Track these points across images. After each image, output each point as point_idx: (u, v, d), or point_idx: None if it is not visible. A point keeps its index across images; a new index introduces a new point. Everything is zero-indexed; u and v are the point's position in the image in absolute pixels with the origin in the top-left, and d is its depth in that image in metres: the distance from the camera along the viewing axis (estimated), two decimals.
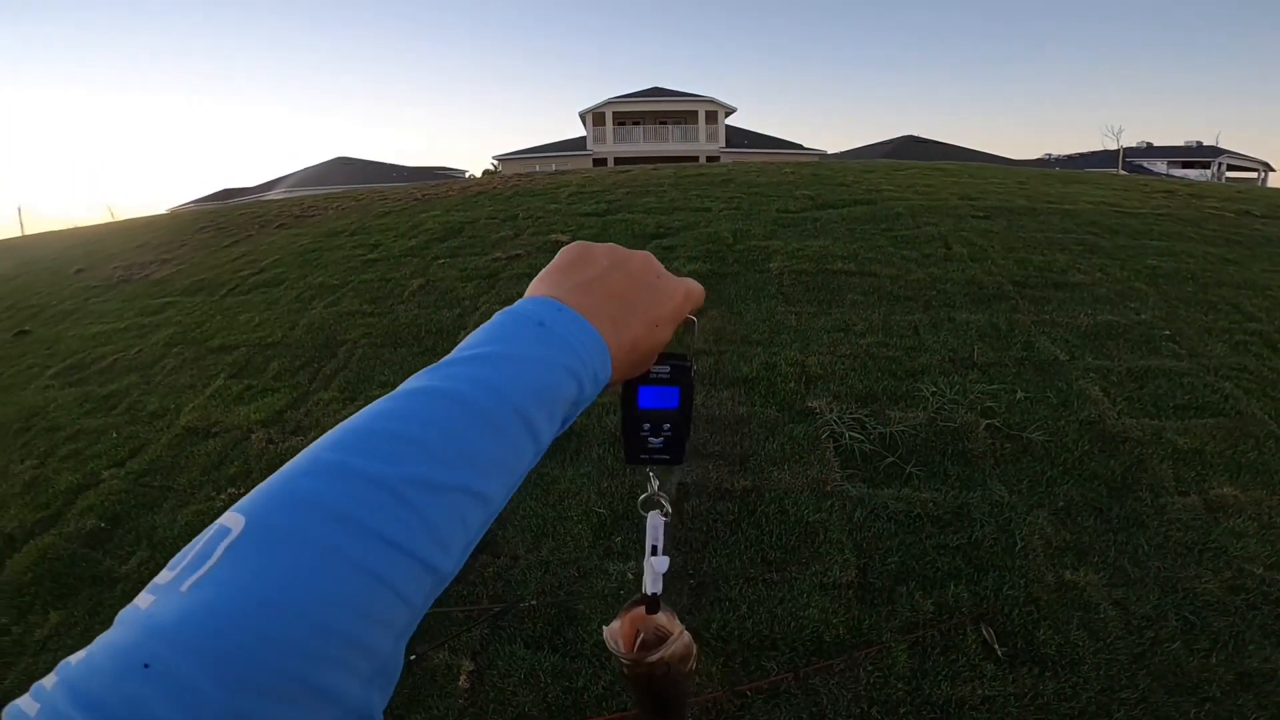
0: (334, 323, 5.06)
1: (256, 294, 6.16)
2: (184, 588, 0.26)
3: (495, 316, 0.39)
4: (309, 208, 10.31)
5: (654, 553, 0.59)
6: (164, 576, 0.27)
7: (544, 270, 0.44)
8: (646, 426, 0.51)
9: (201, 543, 0.28)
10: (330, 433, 0.32)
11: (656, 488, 0.59)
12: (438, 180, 18.12)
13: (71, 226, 19.37)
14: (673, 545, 2.44)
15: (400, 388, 0.35)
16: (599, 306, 0.41)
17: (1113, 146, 34.22)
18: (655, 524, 0.59)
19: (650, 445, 0.51)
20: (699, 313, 0.49)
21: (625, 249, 0.45)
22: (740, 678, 1.91)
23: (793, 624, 2.09)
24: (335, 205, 10.18)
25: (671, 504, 0.60)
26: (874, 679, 1.90)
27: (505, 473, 0.34)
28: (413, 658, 1.71)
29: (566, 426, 0.40)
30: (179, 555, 0.28)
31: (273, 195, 23.39)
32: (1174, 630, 2.02)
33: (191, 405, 4.13)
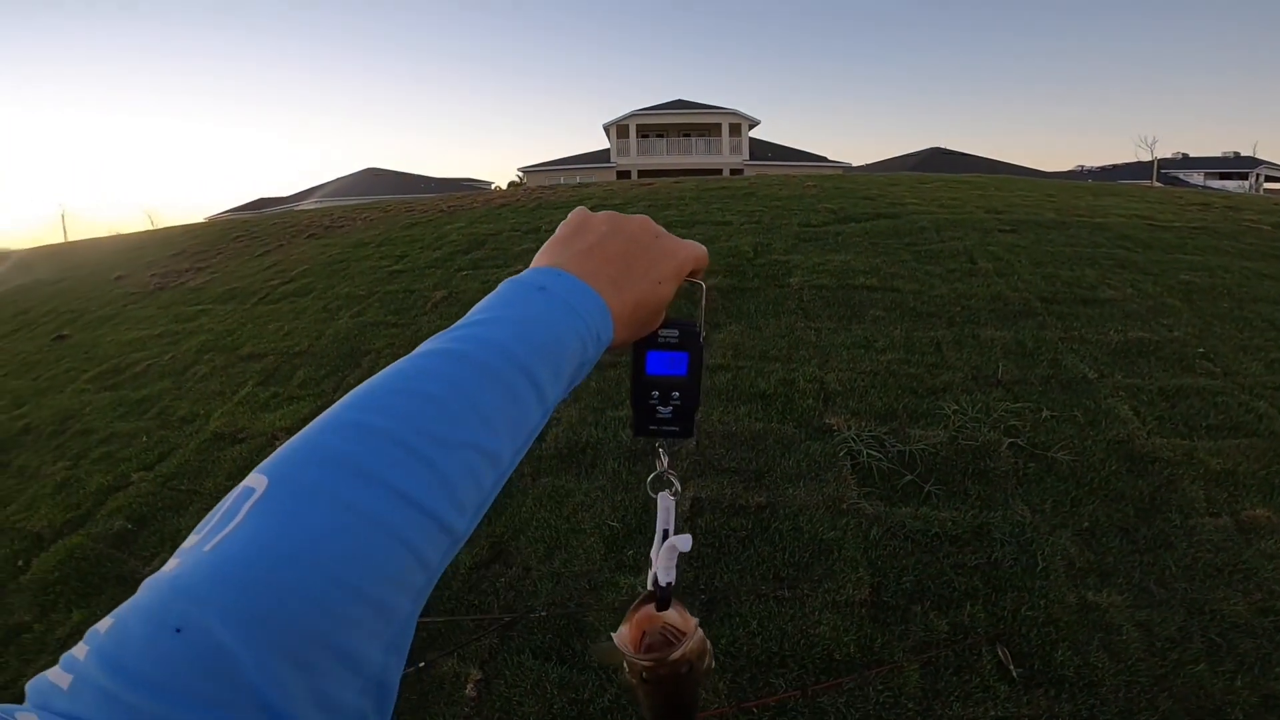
0: (359, 333, 5.15)
1: (285, 303, 6.29)
2: (208, 548, 0.26)
3: (500, 286, 0.41)
4: (338, 218, 10.53)
5: (665, 537, 0.57)
6: (190, 541, 0.28)
7: (547, 242, 0.45)
8: (655, 395, 0.50)
9: (227, 504, 0.28)
10: (348, 394, 0.34)
11: (666, 464, 0.58)
12: (464, 191, 18.38)
13: (113, 233, 20.02)
14: (685, 559, 2.42)
15: (413, 352, 0.36)
16: (599, 270, 0.43)
17: (1147, 158, 33.51)
18: (666, 504, 0.58)
19: (659, 415, 0.51)
20: (704, 278, 0.49)
21: (623, 215, 0.46)
22: (748, 694, 1.89)
23: (803, 641, 2.06)
24: (363, 216, 10.39)
25: (682, 482, 0.59)
26: (884, 698, 1.87)
27: (514, 431, 0.35)
28: (421, 664, 1.73)
29: (572, 388, 0.41)
30: (204, 520, 0.28)
31: (305, 205, 23.96)
32: (1198, 652, 1.97)
33: (220, 411, 4.23)
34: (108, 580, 2.79)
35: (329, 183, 37.92)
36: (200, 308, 6.77)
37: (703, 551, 2.48)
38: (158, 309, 7.12)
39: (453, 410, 0.33)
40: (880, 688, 1.90)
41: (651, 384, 0.50)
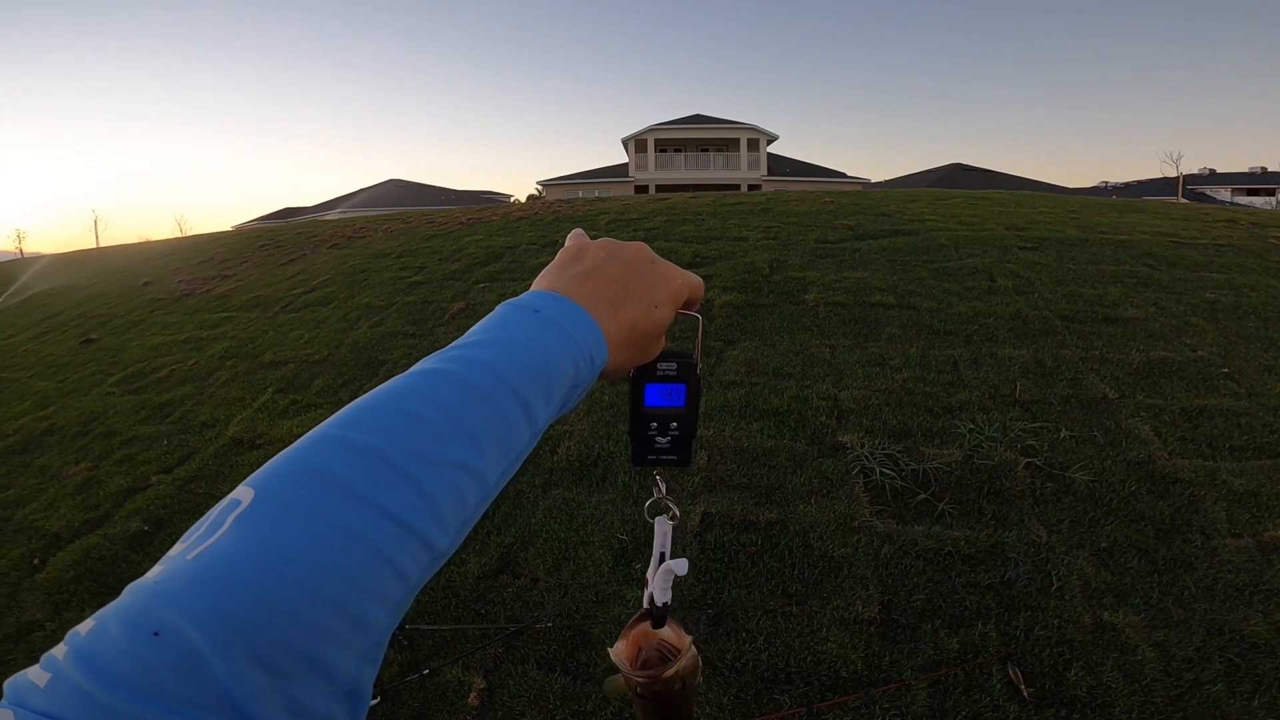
0: (377, 343, 5.21)
1: (307, 312, 6.39)
2: (191, 556, 0.27)
3: (497, 308, 0.42)
4: (360, 229, 10.69)
5: (661, 559, 0.58)
6: (175, 549, 0.28)
7: (545, 268, 0.46)
8: (654, 425, 0.51)
9: (213, 515, 0.29)
10: (338, 412, 0.34)
11: (664, 491, 0.59)
12: (484, 204, 18.60)
13: (143, 239, 20.52)
14: (692, 574, 2.42)
15: (404, 372, 0.37)
16: (596, 293, 0.43)
17: (1172, 174, 33.05)
18: (664, 529, 0.59)
19: (657, 445, 0.52)
20: (701, 310, 0.50)
21: (620, 241, 0.47)
22: (752, 710, 1.87)
23: (809, 658, 2.04)
24: (385, 227, 10.54)
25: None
26: (890, 717, 1.84)
27: (501, 451, 0.36)
28: (425, 671, 1.73)
29: (566, 410, 0.41)
30: (192, 528, 0.29)
31: (330, 215, 24.38)
32: (1216, 672, 1.93)
33: (240, 417, 4.30)
34: (122, 581, 2.78)
35: (353, 193, 38.53)
36: (225, 315, 6.90)
37: (711, 566, 2.46)
38: (184, 315, 7.27)
39: (439, 429, 0.33)
40: (887, 706, 1.87)
41: (650, 416, 0.51)
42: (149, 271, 10.55)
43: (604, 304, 0.43)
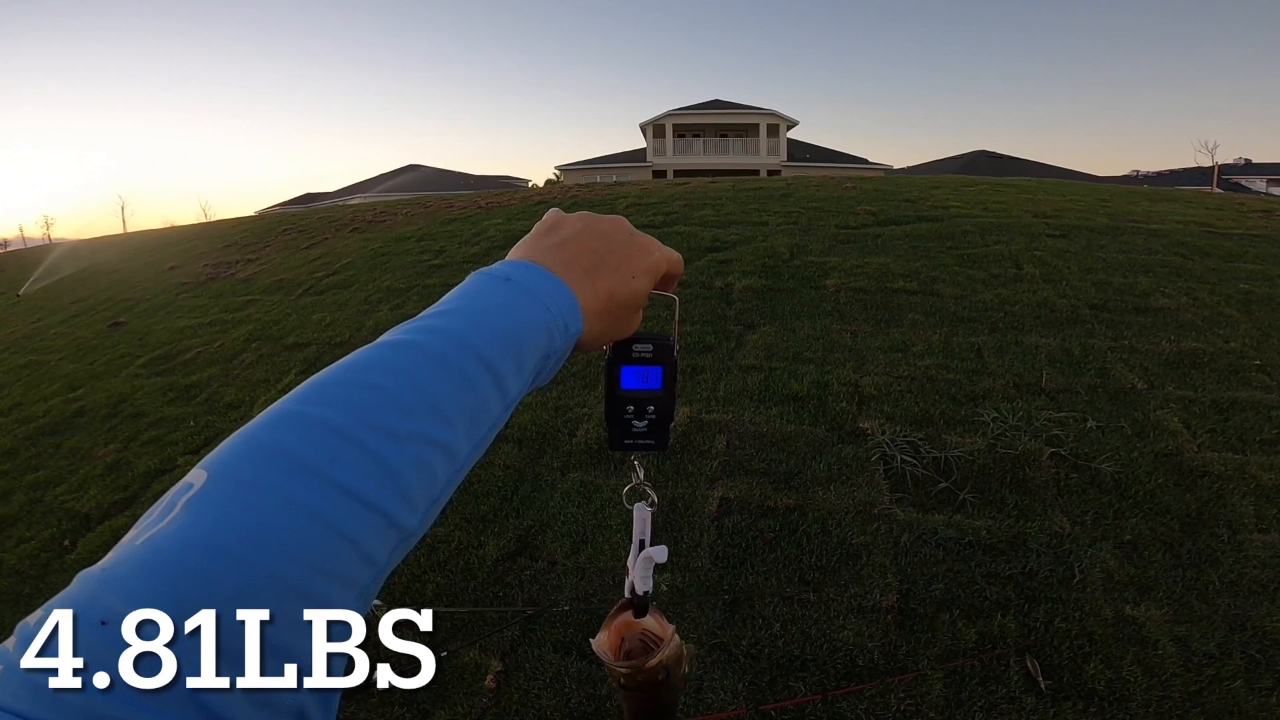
0: (398, 325, 5.24)
1: (329, 295, 6.45)
2: (140, 541, 0.26)
3: (468, 277, 0.41)
4: (381, 213, 10.75)
5: (641, 547, 0.57)
6: (128, 535, 0.27)
7: (522, 239, 0.45)
8: (630, 409, 0.50)
9: (166, 499, 0.28)
10: (296, 388, 0.32)
11: (642, 477, 0.58)
12: (502, 189, 18.61)
13: (168, 224, 20.83)
14: (709, 559, 2.42)
15: (370, 344, 0.35)
16: (572, 262, 0.42)
17: (1206, 163, 32.23)
18: (643, 515, 0.58)
19: (634, 430, 0.51)
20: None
21: (598, 214, 0.46)
22: (766, 697, 1.88)
23: (826, 646, 2.03)
24: (405, 211, 10.58)
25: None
26: (905, 706, 1.84)
27: (472, 424, 0.34)
28: (443, 654, 1.75)
29: (541, 382, 0.40)
30: (145, 514, 0.28)
31: (352, 200, 24.57)
32: (1237, 668, 1.90)
33: (264, 399, 4.36)
34: None
35: (373, 178, 38.76)
36: (249, 298, 6.99)
37: (728, 552, 2.46)
38: (209, 298, 7.37)
39: (403, 401, 0.32)
40: (902, 695, 1.86)
41: (626, 399, 0.50)
42: (174, 256, 10.71)
43: (579, 272, 0.42)
